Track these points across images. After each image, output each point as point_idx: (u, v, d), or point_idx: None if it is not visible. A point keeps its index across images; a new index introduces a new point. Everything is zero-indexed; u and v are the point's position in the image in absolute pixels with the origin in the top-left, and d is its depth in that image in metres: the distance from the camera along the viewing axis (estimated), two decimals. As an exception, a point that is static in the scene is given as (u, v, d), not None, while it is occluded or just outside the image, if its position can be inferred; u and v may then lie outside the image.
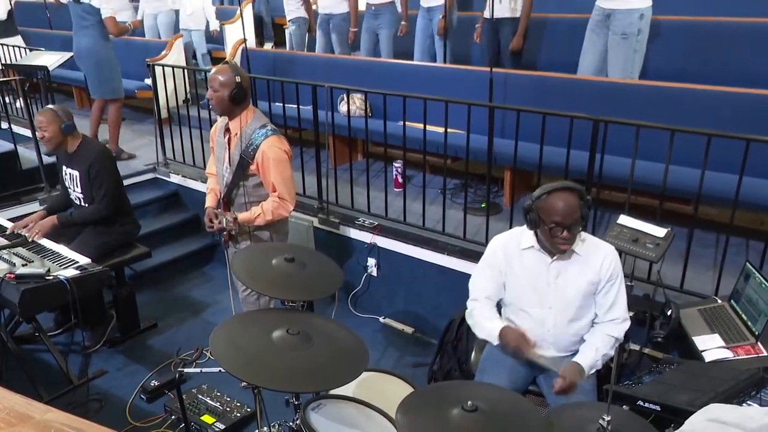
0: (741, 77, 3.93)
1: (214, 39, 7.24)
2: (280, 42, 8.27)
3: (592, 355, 2.33)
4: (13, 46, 6.35)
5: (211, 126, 3.45)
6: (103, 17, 4.91)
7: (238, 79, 2.91)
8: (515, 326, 2.39)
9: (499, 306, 2.56)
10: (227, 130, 3.05)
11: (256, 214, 3.00)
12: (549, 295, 2.38)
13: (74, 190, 3.62)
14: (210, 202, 3.21)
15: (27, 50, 6.36)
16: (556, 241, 2.29)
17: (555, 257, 2.35)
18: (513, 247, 2.44)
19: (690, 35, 4.39)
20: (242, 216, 3.01)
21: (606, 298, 2.37)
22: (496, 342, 2.37)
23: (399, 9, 5.80)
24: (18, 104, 6.12)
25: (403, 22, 5.73)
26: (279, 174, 2.97)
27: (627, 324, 2.40)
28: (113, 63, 5.17)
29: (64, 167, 3.65)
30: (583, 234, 2.38)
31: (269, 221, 3.02)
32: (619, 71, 4.08)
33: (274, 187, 2.99)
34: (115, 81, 5.22)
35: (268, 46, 7.98)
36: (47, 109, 3.53)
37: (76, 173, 3.56)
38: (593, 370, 2.35)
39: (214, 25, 7.14)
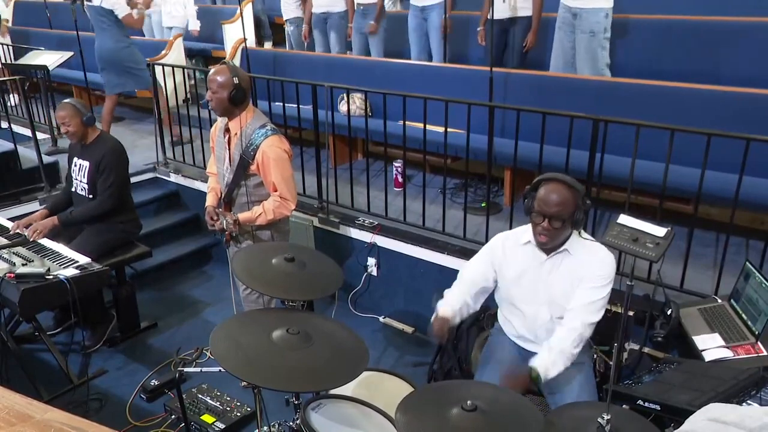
0: (734, 77, 3.93)
1: (194, 38, 7.16)
2: (278, 41, 8.27)
3: (545, 354, 2.25)
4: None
5: (211, 125, 3.45)
6: (120, 17, 5.00)
7: (236, 80, 2.89)
8: (449, 315, 2.42)
9: (494, 301, 2.58)
10: (227, 130, 3.05)
11: (257, 214, 3.00)
12: (540, 292, 2.38)
13: (81, 181, 3.62)
14: (210, 200, 3.22)
15: (9, 47, 6.41)
16: (536, 230, 2.30)
17: (550, 255, 2.35)
18: (512, 242, 2.45)
19: (685, 34, 4.39)
20: (243, 216, 3.01)
21: (575, 294, 2.29)
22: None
23: (386, 8, 5.77)
24: (12, 101, 6.13)
25: (372, 22, 5.59)
26: (279, 173, 2.97)
27: (583, 324, 2.26)
28: (138, 57, 5.25)
29: (74, 158, 3.65)
30: (586, 237, 2.37)
31: (271, 220, 3.03)
32: (588, 68, 4.23)
33: (275, 187, 2.99)
34: (144, 71, 5.23)
35: (267, 45, 7.97)
36: (66, 103, 3.54)
37: (86, 164, 3.57)
38: (552, 372, 2.21)
39: (194, 25, 7.05)
